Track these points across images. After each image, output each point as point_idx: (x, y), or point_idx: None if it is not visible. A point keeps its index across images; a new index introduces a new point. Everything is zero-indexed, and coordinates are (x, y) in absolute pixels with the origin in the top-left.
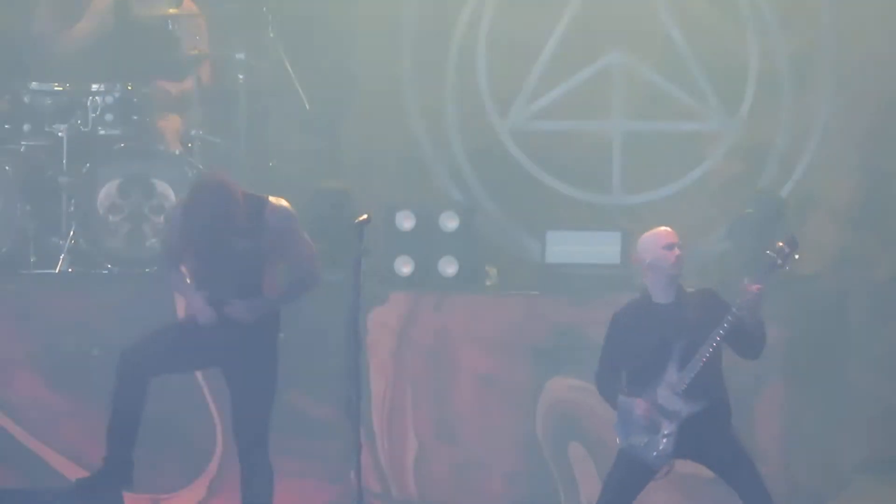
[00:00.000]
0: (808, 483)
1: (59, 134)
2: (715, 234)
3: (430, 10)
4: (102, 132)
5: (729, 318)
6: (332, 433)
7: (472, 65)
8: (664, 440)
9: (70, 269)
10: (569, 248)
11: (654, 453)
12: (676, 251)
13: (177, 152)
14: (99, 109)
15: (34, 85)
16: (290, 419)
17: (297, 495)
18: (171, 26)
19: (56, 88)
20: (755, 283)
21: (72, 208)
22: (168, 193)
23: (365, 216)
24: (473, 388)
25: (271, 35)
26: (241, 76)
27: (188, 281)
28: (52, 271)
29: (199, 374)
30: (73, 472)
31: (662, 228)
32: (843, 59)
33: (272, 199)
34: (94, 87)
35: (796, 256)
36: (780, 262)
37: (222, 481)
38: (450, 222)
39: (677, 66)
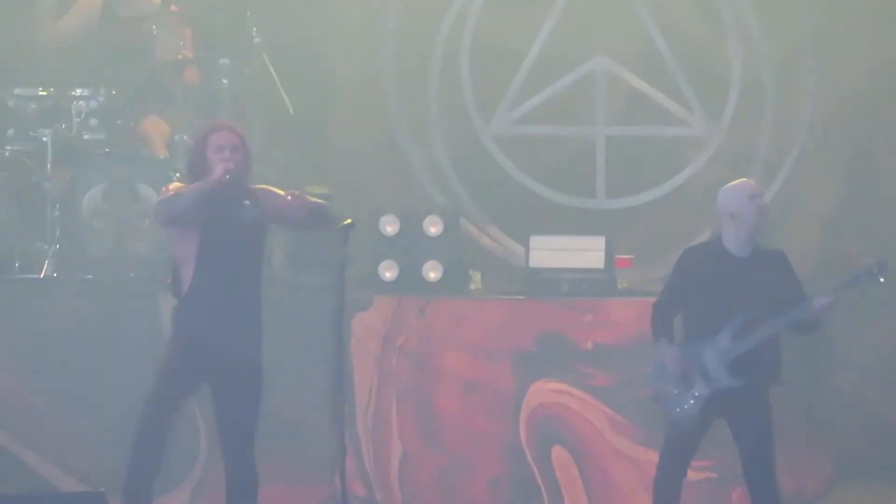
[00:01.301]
0: (792, 486)
1: (44, 139)
2: (698, 240)
3: (414, 16)
4: (87, 137)
5: (786, 317)
6: (317, 438)
7: (455, 70)
8: (692, 401)
9: (55, 275)
10: (552, 252)
11: (678, 409)
12: (760, 201)
13: (161, 157)
14: (83, 114)
15: (18, 90)
16: (275, 424)
17: (281, 500)
18: (155, 31)
19: (40, 93)
20: (826, 297)
21: (56, 213)
22: (152, 198)
23: (349, 221)
24: (457, 392)
25: (255, 40)
26: (225, 81)
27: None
28: (37, 276)
29: None
30: (58, 478)
31: (744, 179)
32: (826, 65)
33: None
34: (79, 91)
35: (881, 280)
36: (863, 279)
37: (206, 486)
38: (433, 227)
39: (660, 71)
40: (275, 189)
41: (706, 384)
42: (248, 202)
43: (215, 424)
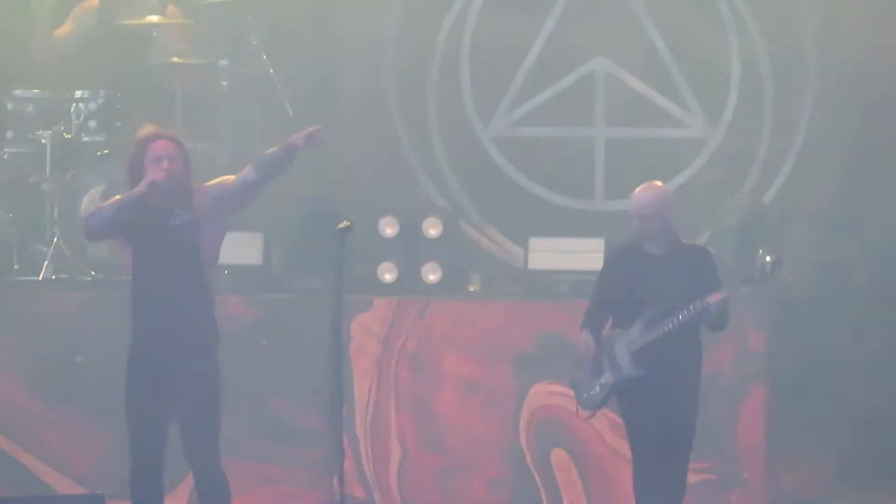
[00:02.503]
0: (792, 488)
1: (43, 141)
2: (697, 241)
3: (414, 17)
4: (86, 139)
5: (692, 307)
6: (315, 440)
7: (455, 71)
8: (598, 388)
9: (53, 276)
10: (552, 254)
11: (585, 395)
12: (640, 216)
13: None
14: (82, 116)
15: (18, 92)
16: (273, 426)
17: (279, 503)
18: (154, 34)
19: (39, 95)
20: (720, 293)
21: (55, 215)
22: None
23: (346, 223)
24: (457, 394)
25: (255, 42)
26: (224, 83)
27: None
28: (36, 278)
29: None
30: (56, 481)
31: (646, 184)
32: (825, 66)
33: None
34: (78, 93)
35: (774, 276)
36: (758, 277)
37: None
38: (433, 229)
39: (660, 72)
40: (222, 178)
41: (612, 373)
42: (177, 210)
43: (180, 439)
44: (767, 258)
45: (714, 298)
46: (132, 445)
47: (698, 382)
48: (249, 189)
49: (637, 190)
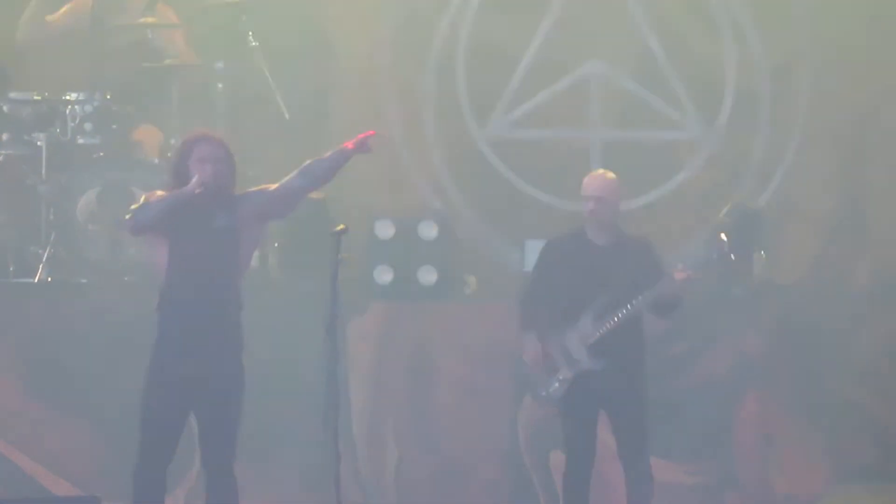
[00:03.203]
0: (787, 490)
1: (39, 143)
2: (693, 243)
3: (410, 20)
4: (82, 141)
5: (648, 293)
6: (311, 443)
7: (451, 74)
8: (556, 384)
9: (49, 279)
10: None
11: (543, 393)
12: (592, 204)
13: (156, 161)
14: (78, 118)
15: (13, 94)
16: (270, 429)
17: None
18: (150, 35)
19: (35, 97)
20: (684, 272)
21: (51, 217)
22: None
23: (342, 226)
24: (454, 396)
25: (251, 44)
26: (220, 85)
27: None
28: (31, 280)
29: None
30: (53, 483)
31: (595, 172)
32: (821, 69)
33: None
34: (73, 96)
35: (732, 257)
36: (715, 256)
37: (201, 492)
38: (429, 231)
39: (655, 75)
40: (264, 186)
41: (569, 367)
42: (221, 213)
43: (197, 435)
44: (722, 236)
45: (680, 275)
46: (144, 444)
47: (644, 370)
48: (293, 196)
49: (589, 176)
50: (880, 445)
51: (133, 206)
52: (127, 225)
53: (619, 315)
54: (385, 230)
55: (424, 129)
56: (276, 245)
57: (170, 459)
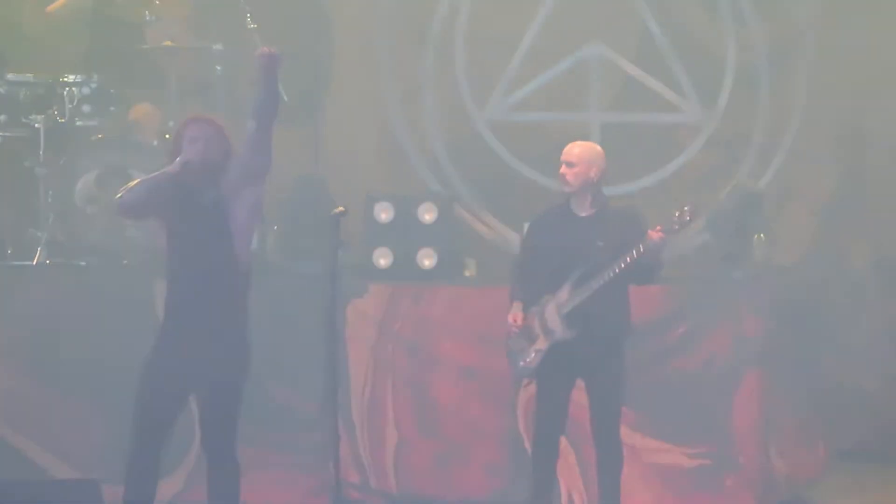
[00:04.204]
0: (787, 472)
1: (36, 125)
2: (693, 226)
3: (409, 2)
4: (80, 123)
5: (627, 258)
6: (311, 425)
7: (450, 56)
8: (533, 354)
9: (47, 261)
10: None
11: (521, 363)
12: (597, 166)
13: (154, 143)
14: (76, 100)
15: (10, 76)
16: (269, 411)
17: (275, 487)
18: (148, 17)
19: (33, 79)
20: (660, 232)
21: (49, 200)
22: None
23: (341, 208)
24: (453, 379)
25: (249, 26)
26: (218, 67)
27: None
28: (30, 263)
29: None
30: (52, 464)
31: (573, 143)
32: (821, 51)
33: None
34: (71, 78)
35: (692, 223)
36: (676, 227)
37: (200, 473)
38: (428, 214)
39: (655, 57)
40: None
41: (546, 337)
42: (209, 189)
43: (198, 415)
44: (685, 207)
45: (654, 237)
46: (140, 425)
47: (622, 342)
48: (255, 141)
49: (570, 143)
50: (879, 426)
51: (122, 188)
52: (117, 209)
53: (594, 284)
54: (384, 213)
55: (424, 112)
56: (275, 228)
57: (165, 440)
